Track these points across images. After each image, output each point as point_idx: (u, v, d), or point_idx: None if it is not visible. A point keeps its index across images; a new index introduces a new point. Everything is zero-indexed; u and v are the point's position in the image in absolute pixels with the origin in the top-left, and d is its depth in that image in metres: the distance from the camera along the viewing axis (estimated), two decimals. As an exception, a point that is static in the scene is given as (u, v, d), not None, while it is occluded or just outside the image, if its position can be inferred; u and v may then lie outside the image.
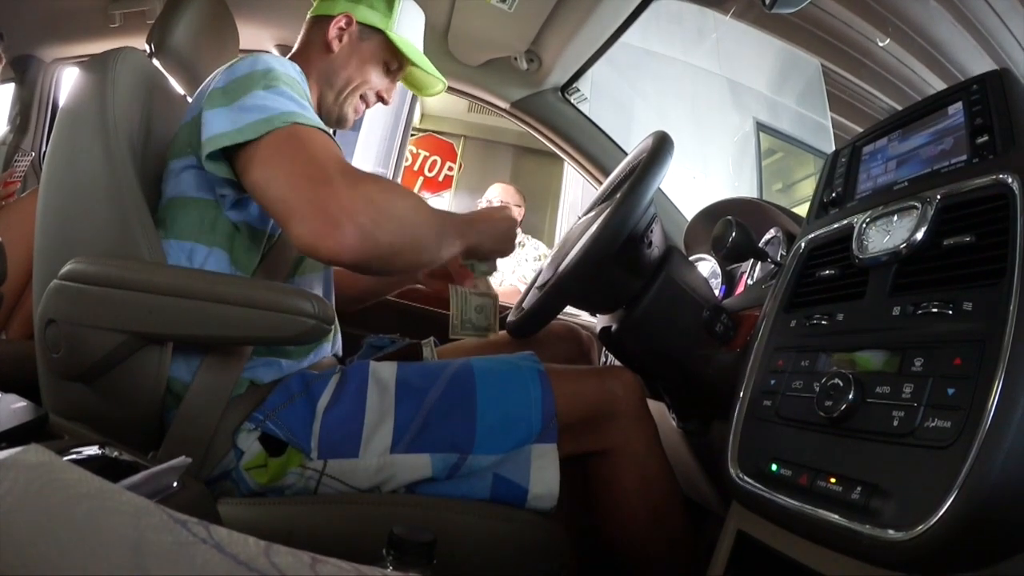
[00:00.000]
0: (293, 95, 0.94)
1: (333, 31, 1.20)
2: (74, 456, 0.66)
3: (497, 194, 3.35)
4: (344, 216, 0.82)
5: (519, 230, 3.37)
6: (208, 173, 0.93)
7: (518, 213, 3.36)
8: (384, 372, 1.00)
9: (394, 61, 1.26)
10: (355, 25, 1.22)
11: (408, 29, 1.27)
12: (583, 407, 1.01)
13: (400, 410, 0.95)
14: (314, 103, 1.20)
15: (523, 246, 3.31)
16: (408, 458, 0.92)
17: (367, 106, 1.29)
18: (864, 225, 0.71)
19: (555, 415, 0.96)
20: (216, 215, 0.98)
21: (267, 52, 1.00)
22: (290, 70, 1.01)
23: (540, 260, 3.19)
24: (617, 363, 1.21)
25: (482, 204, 3.42)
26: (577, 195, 5.16)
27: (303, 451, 0.91)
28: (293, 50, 1.25)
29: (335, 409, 0.94)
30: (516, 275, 3.13)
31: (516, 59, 1.87)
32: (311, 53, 1.22)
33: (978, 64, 5.44)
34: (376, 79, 1.26)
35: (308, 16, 1.26)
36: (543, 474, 0.93)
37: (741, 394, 0.76)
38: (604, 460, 1.03)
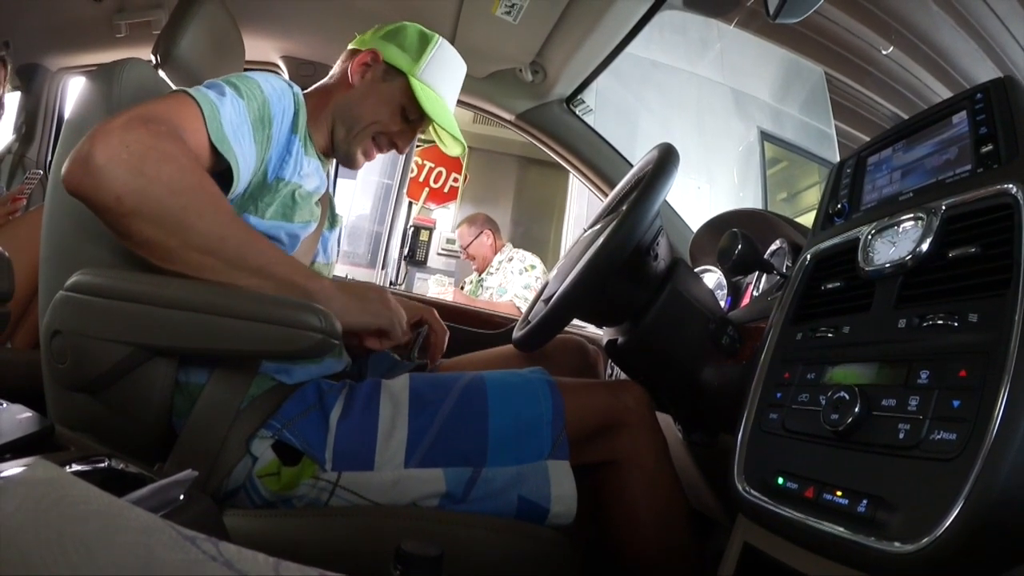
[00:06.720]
0: (226, 88, 0.92)
1: (356, 66, 1.20)
2: (80, 468, 0.66)
3: (460, 230, 3.55)
4: (96, 143, 0.76)
5: (508, 245, 3.41)
6: None
7: (488, 237, 3.43)
8: (396, 384, 1.00)
9: (412, 109, 1.21)
10: (381, 64, 1.20)
11: (439, 80, 1.23)
12: (593, 419, 1.01)
13: (413, 423, 0.94)
14: (325, 136, 1.20)
15: (511, 260, 3.36)
16: (422, 472, 0.91)
17: (379, 150, 1.26)
18: (870, 236, 0.71)
19: (565, 426, 0.96)
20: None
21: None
22: (272, 82, 1.01)
23: (527, 272, 3.21)
24: (624, 376, 1.21)
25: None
26: (583, 207, 5.16)
27: (318, 462, 0.90)
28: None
29: (347, 421, 0.93)
30: (510, 293, 3.15)
31: (521, 71, 1.88)
32: (334, 85, 1.22)
33: (982, 69, 5.45)
34: (390, 123, 1.21)
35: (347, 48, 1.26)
36: (562, 491, 0.93)
37: (747, 407, 0.76)
38: (613, 470, 1.03)
